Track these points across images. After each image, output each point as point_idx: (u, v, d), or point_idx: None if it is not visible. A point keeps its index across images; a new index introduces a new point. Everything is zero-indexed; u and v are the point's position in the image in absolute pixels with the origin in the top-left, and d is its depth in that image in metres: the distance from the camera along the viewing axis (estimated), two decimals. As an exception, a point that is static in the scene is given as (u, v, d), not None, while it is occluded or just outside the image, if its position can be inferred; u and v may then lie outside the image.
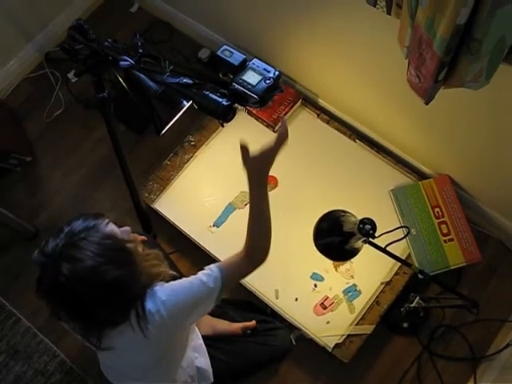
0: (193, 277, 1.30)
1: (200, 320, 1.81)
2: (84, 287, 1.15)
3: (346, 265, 1.93)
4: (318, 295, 1.90)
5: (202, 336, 1.71)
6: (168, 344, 1.38)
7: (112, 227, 1.23)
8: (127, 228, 1.28)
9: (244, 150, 1.24)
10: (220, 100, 1.23)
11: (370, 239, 1.42)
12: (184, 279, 1.30)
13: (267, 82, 1.23)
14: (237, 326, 1.83)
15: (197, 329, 1.67)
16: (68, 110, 2.46)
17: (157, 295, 1.24)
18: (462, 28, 1.05)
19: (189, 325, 1.39)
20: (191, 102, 1.35)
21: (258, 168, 1.27)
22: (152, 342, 1.28)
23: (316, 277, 1.92)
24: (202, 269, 1.34)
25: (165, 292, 1.26)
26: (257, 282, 1.93)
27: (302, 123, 2.16)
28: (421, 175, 2.06)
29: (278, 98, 2.09)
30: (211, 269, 1.32)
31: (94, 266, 1.14)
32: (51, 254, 1.14)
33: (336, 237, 1.53)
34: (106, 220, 1.23)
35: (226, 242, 1.98)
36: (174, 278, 1.33)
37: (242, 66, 1.25)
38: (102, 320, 1.22)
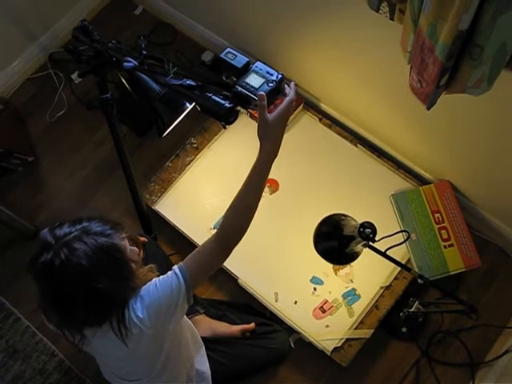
0: (159, 281, 1.28)
1: (199, 322, 1.81)
2: (72, 281, 1.16)
3: (346, 269, 1.93)
4: (317, 299, 1.90)
5: (202, 338, 1.71)
6: (158, 349, 1.36)
7: (125, 243, 1.25)
8: (136, 249, 1.30)
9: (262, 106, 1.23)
10: (223, 102, 1.24)
11: (370, 243, 1.42)
12: (153, 284, 1.28)
13: (270, 84, 1.24)
14: (236, 329, 1.83)
15: (196, 331, 1.67)
16: (71, 110, 2.47)
17: (132, 305, 1.25)
18: (464, 34, 1.06)
19: (171, 328, 1.34)
20: (194, 104, 1.36)
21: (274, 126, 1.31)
22: (136, 350, 1.29)
23: (316, 280, 1.93)
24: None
25: (136, 300, 1.25)
26: (256, 284, 1.93)
27: (303, 127, 2.16)
28: (421, 180, 2.06)
29: (280, 102, 2.09)
30: (174, 269, 1.29)
31: (88, 267, 1.15)
32: (60, 238, 1.17)
33: (336, 240, 1.54)
34: (123, 234, 1.25)
35: (226, 245, 1.99)
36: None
37: (245, 69, 1.26)
38: (79, 319, 1.23)
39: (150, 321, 1.24)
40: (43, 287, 1.20)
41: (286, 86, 1.28)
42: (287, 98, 1.26)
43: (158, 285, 1.27)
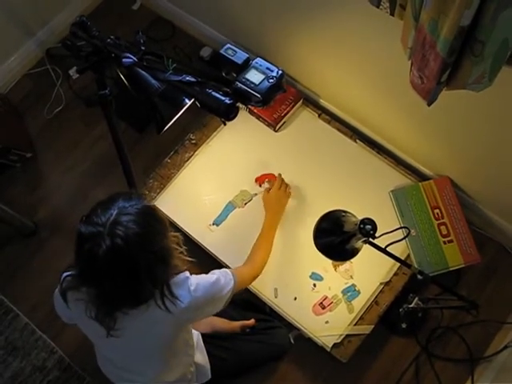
0: (214, 275, 1.46)
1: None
2: (137, 252, 1.19)
3: (346, 265, 1.93)
4: (317, 295, 1.90)
5: (202, 333, 1.72)
6: (174, 335, 1.45)
7: (152, 204, 1.33)
8: None
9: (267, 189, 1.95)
10: (223, 98, 1.24)
11: (371, 239, 1.42)
12: (207, 276, 1.45)
13: (270, 81, 1.23)
14: (236, 325, 1.83)
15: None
16: (69, 106, 2.46)
17: (186, 283, 1.36)
18: (465, 30, 1.05)
19: (197, 320, 1.53)
20: (193, 100, 1.35)
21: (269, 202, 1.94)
22: (167, 325, 1.36)
23: (315, 276, 1.92)
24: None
25: (194, 282, 1.38)
26: (256, 280, 1.92)
27: (302, 123, 2.16)
28: (421, 176, 2.06)
29: (280, 98, 2.09)
30: (227, 272, 1.50)
31: (142, 233, 1.20)
32: (106, 222, 1.18)
33: (336, 236, 1.53)
34: (147, 199, 1.35)
35: (225, 241, 1.99)
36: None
37: (246, 65, 1.26)
38: (134, 294, 1.26)
39: (187, 311, 1.34)
40: (109, 273, 1.20)
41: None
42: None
43: (218, 280, 1.44)
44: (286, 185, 2.00)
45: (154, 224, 1.26)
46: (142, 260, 1.20)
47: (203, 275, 1.45)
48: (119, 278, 1.21)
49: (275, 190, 1.96)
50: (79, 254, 1.21)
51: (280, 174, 2.01)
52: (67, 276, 1.32)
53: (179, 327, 1.44)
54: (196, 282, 1.39)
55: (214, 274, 1.47)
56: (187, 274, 1.39)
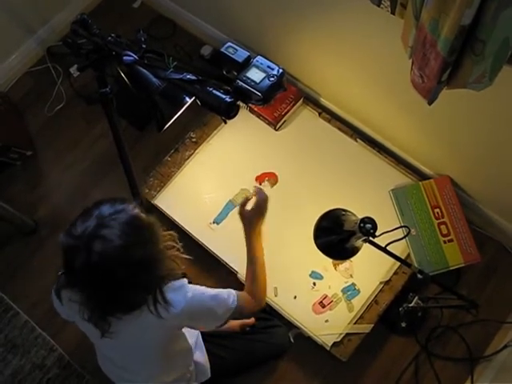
0: (216, 290, 1.43)
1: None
2: (116, 265, 1.15)
3: (346, 264, 1.93)
4: (316, 294, 1.90)
5: (201, 332, 1.72)
6: (168, 340, 1.43)
7: (138, 210, 1.25)
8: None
9: (243, 203, 1.66)
10: (223, 97, 1.23)
11: (371, 238, 1.42)
12: (210, 289, 1.42)
13: (271, 79, 1.23)
14: (236, 323, 1.83)
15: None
16: (69, 104, 2.46)
17: (184, 289, 1.35)
18: (466, 29, 1.05)
19: (194, 328, 1.55)
20: (194, 98, 1.35)
21: (249, 219, 1.64)
22: (159, 330, 1.34)
23: (315, 275, 1.92)
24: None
25: (192, 289, 1.36)
26: (256, 279, 1.93)
27: (303, 122, 2.16)
28: (421, 176, 2.06)
29: (280, 96, 2.09)
30: (231, 292, 1.46)
31: (124, 246, 1.15)
32: (82, 235, 1.14)
33: (336, 235, 1.53)
34: (133, 204, 1.26)
35: (225, 239, 1.99)
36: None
37: (246, 63, 1.25)
38: (123, 302, 1.24)
39: (179, 318, 1.33)
40: (88, 286, 1.18)
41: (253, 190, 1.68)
42: (257, 201, 1.65)
43: (219, 294, 1.42)
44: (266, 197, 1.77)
45: (140, 233, 1.20)
46: (122, 273, 1.16)
47: (204, 287, 1.42)
48: (97, 290, 1.18)
49: (257, 206, 1.71)
50: (63, 260, 1.19)
51: (257, 188, 1.80)
52: (62, 274, 1.31)
53: (172, 333, 1.42)
54: (194, 290, 1.37)
55: (217, 290, 1.44)
56: (185, 281, 1.36)
